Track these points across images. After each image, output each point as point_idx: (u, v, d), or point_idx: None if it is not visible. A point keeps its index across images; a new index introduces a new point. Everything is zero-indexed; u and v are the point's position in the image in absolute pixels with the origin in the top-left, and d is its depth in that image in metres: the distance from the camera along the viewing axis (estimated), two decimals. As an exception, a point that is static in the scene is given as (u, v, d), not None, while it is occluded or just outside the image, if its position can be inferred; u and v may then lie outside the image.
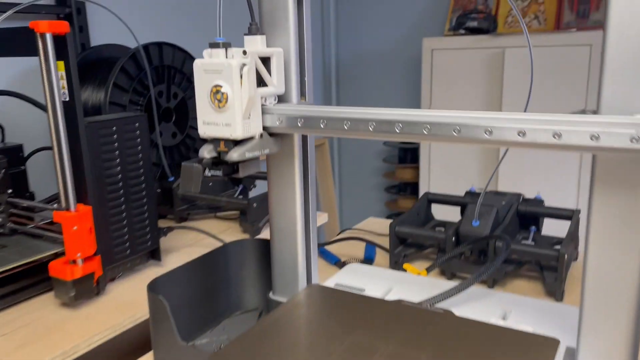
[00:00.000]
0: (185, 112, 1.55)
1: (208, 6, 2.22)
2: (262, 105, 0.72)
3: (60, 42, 0.91)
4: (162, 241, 1.18)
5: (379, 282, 0.87)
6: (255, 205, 1.34)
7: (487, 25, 2.35)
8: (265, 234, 1.37)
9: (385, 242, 1.21)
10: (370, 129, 0.65)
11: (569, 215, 1.11)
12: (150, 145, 1.27)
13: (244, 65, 0.67)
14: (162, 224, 1.33)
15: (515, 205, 1.14)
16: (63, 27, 0.90)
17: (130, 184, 1.05)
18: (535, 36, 2.31)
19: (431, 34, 2.70)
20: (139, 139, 1.06)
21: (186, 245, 1.28)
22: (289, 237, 0.82)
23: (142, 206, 1.08)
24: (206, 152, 0.71)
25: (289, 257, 0.82)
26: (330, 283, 0.87)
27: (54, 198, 1.21)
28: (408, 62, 2.92)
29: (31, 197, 1.29)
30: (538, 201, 1.18)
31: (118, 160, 1.02)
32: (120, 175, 1.03)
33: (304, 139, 0.79)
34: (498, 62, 2.34)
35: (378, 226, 1.38)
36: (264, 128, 0.72)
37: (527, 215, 1.15)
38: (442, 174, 2.57)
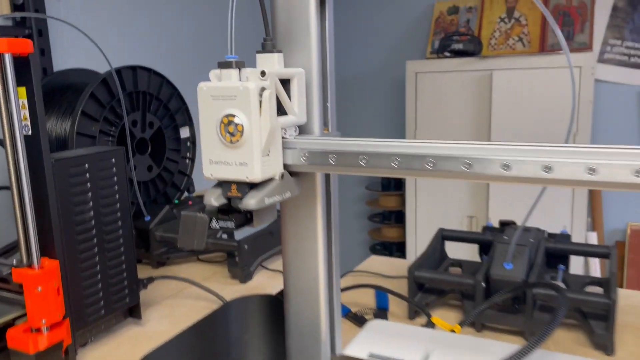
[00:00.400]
0: (162, 143, 1.39)
1: (185, 26, 2.08)
2: (282, 137, 0.58)
3: (21, 64, 0.75)
4: (141, 293, 1.01)
5: (413, 345, 0.73)
6: (246, 247, 1.18)
7: (473, 48, 2.27)
8: (256, 280, 1.22)
9: (394, 284, 1.07)
10: (429, 167, 0.51)
11: (605, 253, 1.00)
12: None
13: (263, 89, 0.53)
14: (139, 270, 1.15)
15: (543, 242, 1.02)
16: (26, 46, 0.74)
17: (106, 230, 0.89)
18: (520, 58, 2.24)
19: (413, 57, 2.62)
20: (115, 178, 0.90)
21: (168, 296, 1.11)
22: (309, 297, 0.67)
23: (119, 256, 0.92)
24: (213, 199, 0.56)
25: (309, 321, 0.68)
26: (357, 350, 0.73)
27: (10, 248, 1.03)
28: (391, 85, 2.83)
29: (-17, 245, 1.11)
30: (564, 236, 1.07)
31: (91, 203, 0.86)
32: (93, 222, 0.86)
33: (327, 177, 0.65)
34: (485, 85, 2.26)
35: (382, 266, 1.24)
36: (285, 166, 0.58)
37: (556, 253, 1.03)
38: (429, 201, 2.45)
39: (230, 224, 0.56)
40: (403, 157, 0.52)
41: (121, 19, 1.82)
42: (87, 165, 0.85)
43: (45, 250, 0.80)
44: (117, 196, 0.90)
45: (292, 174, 0.59)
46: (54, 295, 0.79)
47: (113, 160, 0.90)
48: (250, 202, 0.54)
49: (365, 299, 1.07)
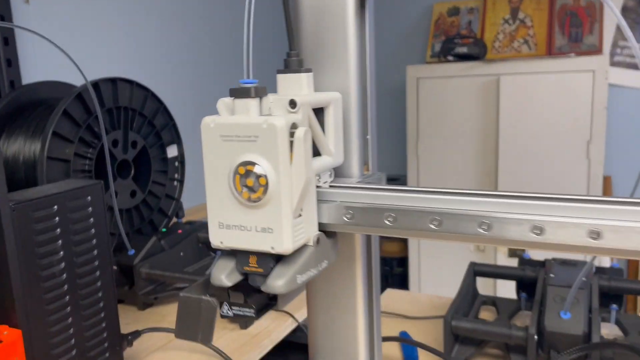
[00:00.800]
0: (146, 164, 1.23)
1: (173, 32, 1.91)
2: (316, 187, 0.43)
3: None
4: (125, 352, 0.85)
5: None
6: (247, 287, 1.02)
7: (478, 51, 2.14)
8: (259, 323, 1.06)
9: (420, 329, 0.93)
10: (535, 235, 0.36)
11: (671, 293, 0.86)
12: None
13: (294, 126, 0.37)
14: (122, 313, 0.98)
15: (596, 280, 0.88)
16: (-29, 61, 0.58)
17: (80, 284, 0.73)
18: (528, 62, 2.11)
19: (411, 61, 2.48)
20: (91, 219, 0.74)
21: (157, 349, 0.95)
22: (345, 385, 0.52)
23: (97, 314, 0.75)
24: (224, 276, 0.41)
25: (345, 415, 0.52)
26: None
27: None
28: (390, 92, 2.68)
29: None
30: (617, 271, 0.93)
31: (61, 254, 0.70)
32: (65, 276, 0.70)
33: (368, 236, 0.50)
34: (492, 90, 2.12)
35: (401, 303, 1.09)
36: (320, 225, 0.43)
37: (611, 292, 0.89)
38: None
39: (248, 312, 0.40)
40: (493, 220, 0.37)
41: (100, 25, 1.65)
42: (55, 207, 0.69)
43: (5, 316, 0.64)
44: (94, 241, 0.74)
45: (328, 233, 0.44)
46: (15, 375, 0.62)
47: (89, 198, 0.73)
48: (278, 283, 0.38)
49: (390, 349, 0.92)
